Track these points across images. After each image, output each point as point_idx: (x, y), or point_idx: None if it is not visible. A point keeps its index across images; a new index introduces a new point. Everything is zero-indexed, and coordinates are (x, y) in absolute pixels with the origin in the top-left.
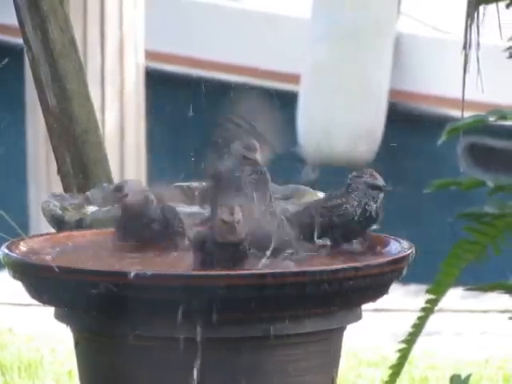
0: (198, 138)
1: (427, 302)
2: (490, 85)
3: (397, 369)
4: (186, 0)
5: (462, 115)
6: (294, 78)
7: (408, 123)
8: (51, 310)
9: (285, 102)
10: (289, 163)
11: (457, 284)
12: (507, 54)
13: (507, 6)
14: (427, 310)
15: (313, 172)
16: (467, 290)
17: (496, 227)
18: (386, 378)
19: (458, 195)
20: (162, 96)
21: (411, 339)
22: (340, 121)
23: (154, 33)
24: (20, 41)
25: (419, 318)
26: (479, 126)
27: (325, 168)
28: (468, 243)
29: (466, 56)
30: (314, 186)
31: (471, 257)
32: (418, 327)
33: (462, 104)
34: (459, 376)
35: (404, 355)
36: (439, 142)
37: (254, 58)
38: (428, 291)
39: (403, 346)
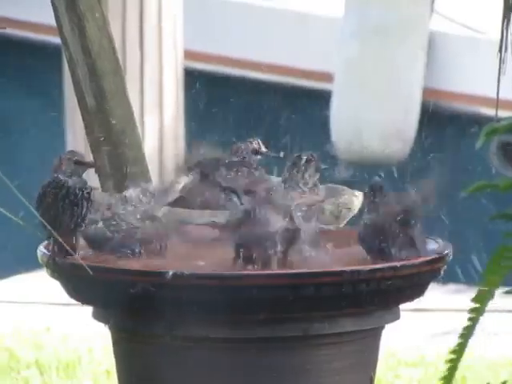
0: (231, 135)
1: (472, 310)
2: None
3: (449, 373)
4: (218, 0)
5: (496, 115)
6: (328, 77)
7: (442, 122)
8: (88, 309)
9: (319, 101)
10: (323, 162)
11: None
12: None
13: None
14: (473, 320)
15: (346, 171)
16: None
17: None
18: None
19: (494, 193)
20: (197, 95)
21: (461, 347)
22: (370, 119)
23: (186, 32)
24: (59, 40)
25: (465, 328)
26: None
27: (358, 167)
28: (506, 249)
29: (502, 58)
30: (351, 185)
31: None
32: (465, 337)
33: (497, 105)
34: None
35: (455, 361)
36: (478, 145)
37: (287, 57)
38: (472, 300)
39: (453, 356)
